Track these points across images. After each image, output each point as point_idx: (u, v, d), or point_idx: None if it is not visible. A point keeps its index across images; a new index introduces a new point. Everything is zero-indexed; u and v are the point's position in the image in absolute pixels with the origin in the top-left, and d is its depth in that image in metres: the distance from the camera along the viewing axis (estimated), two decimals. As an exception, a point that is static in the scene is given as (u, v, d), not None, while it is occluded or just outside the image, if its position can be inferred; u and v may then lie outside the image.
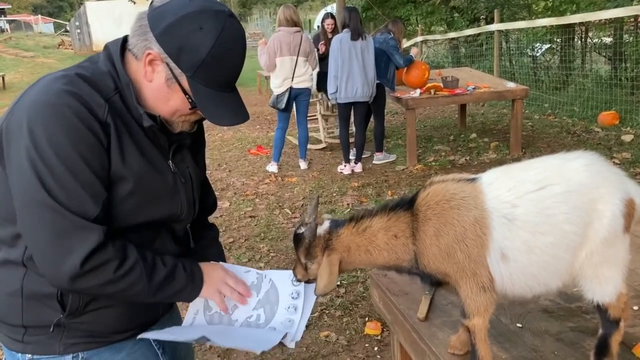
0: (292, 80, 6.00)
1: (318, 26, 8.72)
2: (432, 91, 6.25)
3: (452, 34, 12.38)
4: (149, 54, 1.14)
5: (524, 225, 1.21)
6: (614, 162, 5.47)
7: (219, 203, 1.61)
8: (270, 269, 3.69)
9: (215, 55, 1.12)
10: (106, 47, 1.22)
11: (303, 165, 6.48)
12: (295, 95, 6.11)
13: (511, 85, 6.69)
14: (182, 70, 1.14)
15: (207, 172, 1.51)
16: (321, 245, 1.30)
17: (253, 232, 4.68)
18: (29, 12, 44.70)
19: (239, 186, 5.95)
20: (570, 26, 9.23)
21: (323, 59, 6.63)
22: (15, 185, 1.09)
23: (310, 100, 6.49)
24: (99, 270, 1.11)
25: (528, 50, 10.94)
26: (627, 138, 6.54)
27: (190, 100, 1.17)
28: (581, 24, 9.28)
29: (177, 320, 1.46)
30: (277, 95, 6.08)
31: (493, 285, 1.25)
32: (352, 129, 6.59)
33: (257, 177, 6.22)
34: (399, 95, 6.28)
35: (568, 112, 8.28)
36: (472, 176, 1.31)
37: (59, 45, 29.84)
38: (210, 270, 1.34)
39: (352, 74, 5.76)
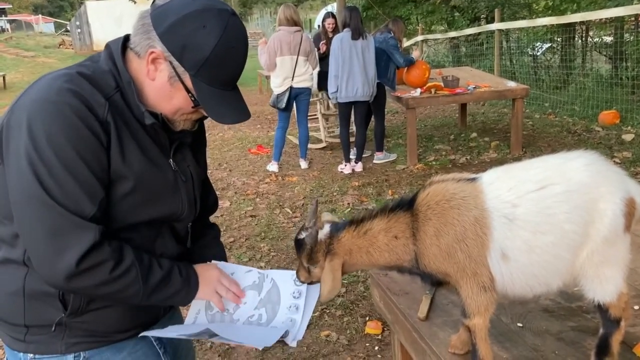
0: (292, 80, 6.00)
1: (319, 25, 8.71)
2: (433, 90, 6.24)
3: (452, 33, 12.37)
4: (152, 52, 1.14)
5: (525, 225, 1.21)
6: (614, 161, 5.47)
7: (219, 202, 1.61)
8: (271, 268, 3.69)
9: (218, 54, 1.12)
10: (107, 46, 1.22)
11: (303, 164, 6.48)
12: (296, 95, 6.11)
13: (512, 84, 6.68)
14: (185, 69, 1.14)
15: (208, 171, 1.51)
16: (323, 250, 1.31)
17: (254, 231, 4.68)
18: (30, 12, 44.71)
19: (239, 185, 5.95)
20: (571, 25, 9.22)
21: (324, 59, 6.63)
22: (13, 182, 1.09)
23: (311, 99, 6.49)
24: (95, 270, 1.11)
25: (529, 49, 10.95)
26: (627, 137, 6.54)
27: (192, 98, 1.17)
28: (582, 23, 9.28)
29: (179, 320, 1.46)
30: (278, 94, 6.08)
31: (493, 285, 1.25)
32: (353, 128, 6.59)
33: (257, 177, 6.22)
34: (399, 94, 6.28)
35: (569, 111, 8.27)
36: (473, 176, 1.31)
37: (60, 45, 29.83)
38: (204, 271, 1.34)
39: (353, 74, 5.76)
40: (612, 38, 9.33)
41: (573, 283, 1.32)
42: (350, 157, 6.23)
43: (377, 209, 1.32)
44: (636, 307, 1.59)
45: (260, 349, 1.21)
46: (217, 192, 1.55)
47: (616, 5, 7.88)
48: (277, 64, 5.96)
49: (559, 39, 10.37)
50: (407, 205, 1.30)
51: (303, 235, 1.32)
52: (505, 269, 1.23)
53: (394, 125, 8.47)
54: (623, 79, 8.39)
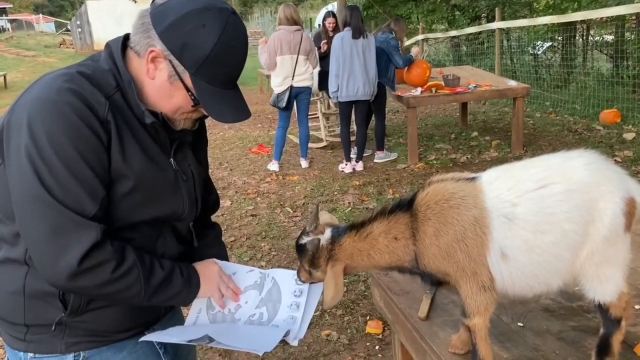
0: (292, 79, 6.00)
1: (319, 25, 8.72)
2: (434, 89, 6.24)
3: (453, 32, 12.37)
4: (151, 51, 1.14)
5: (525, 225, 1.21)
6: (615, 160, 5.47)
7: (220, 202, 1.61)
8: (272, 267, 3.69)
9: (218, 53, 1.12)
10: (107, 45, 1.22)
11: (304, 163, 6.47)
12: (296, 94, 6.11)
13: (512, 83, 6.68)
14: (185, 68, 1.14)
15: (209, 170, 1.51)
16: (324, 256, 1.31)
17: (254, 230, 4.68)
18: (30, 12, 44.74)
19: (240, 185, 5.95)
20: (572, 24, 9.22)
21: (324, 58, 6.62)
22: (14, 181, 1.09)
23: (311, 98, 6.48)
24: (97, 269, 1.11)
25: (529, 48, 10.94)
26: (628, 136, 6.53)
27: (192, 97, 1.17)
28: (582, 21, 9.28)
29: (180, 320, 1.46)
30: (278, 94, 6.08)
31: (493, 285, 1.25)
32: (353, 127, 6.59)
33: (258, 176, 6.22)
34: (400, 93, 6.28)
35: (569, 110, 8.26)
36: (472, 175, 1.31)
37: (60, 45, 29.82)
38: (204, 268, 1.34)
39: (354, 73, 5.75)
40: (613, 37, 9.32)
41: (573, 283, 1.32)
42: (351, 156, 6.23)
43: (376, 211, 1.32)
44: (637, 307, 1.59)
45: (261, 354, 1.21)
46: (218, 192, 1.55)
47: (617, 4, 7.88)
48: (277, 63, 5.96)
49: (559, 38, 10.37)
50: (407, 205, 1.29)
51: (305, 240, 1.32)
52: (505, 268, 1.23)
53: (395, 124, 8.47)
54: (624, 77, 8.39)
